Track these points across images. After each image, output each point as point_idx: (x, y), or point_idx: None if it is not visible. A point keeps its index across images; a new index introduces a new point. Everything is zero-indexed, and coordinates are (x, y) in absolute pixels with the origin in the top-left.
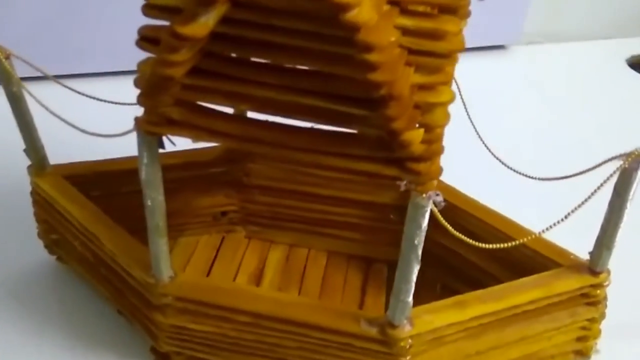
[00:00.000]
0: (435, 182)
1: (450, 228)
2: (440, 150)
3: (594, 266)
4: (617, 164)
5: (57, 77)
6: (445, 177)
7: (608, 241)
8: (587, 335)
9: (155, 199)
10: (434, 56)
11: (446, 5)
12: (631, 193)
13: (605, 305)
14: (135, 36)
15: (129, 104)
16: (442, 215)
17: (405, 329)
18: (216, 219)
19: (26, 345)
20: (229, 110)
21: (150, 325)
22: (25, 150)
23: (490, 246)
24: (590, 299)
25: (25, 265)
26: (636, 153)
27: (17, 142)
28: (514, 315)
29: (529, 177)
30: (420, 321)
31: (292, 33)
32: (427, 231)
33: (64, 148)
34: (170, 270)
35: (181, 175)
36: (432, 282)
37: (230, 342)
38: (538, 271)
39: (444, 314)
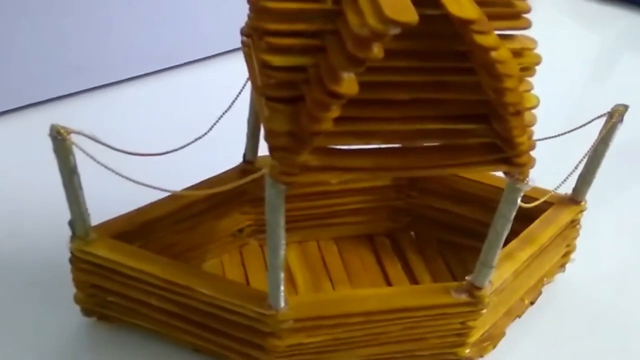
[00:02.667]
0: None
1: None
2: (534, 144)
3: (577, 197)
4: (603, 119)
5: None
6: None
7: (589, 177)
8: (569, 250)
9: (280, 237)
10: (522, 70)
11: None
12: (613, 140)
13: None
14: None
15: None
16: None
17: (489, 288)
18: (234, 236)
19: None
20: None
21: (255, 352)
22: (70, 222)
23: (529, 205)
24: (575, 223)
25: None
26: (620, 109)
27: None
28: (540, 252)
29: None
30: (494, 277)
31: (418, 70)
32: (418, 198)
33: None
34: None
35: (205, 206)
36: (428, 239)
37: (339, 343)
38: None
39: (504, 267)
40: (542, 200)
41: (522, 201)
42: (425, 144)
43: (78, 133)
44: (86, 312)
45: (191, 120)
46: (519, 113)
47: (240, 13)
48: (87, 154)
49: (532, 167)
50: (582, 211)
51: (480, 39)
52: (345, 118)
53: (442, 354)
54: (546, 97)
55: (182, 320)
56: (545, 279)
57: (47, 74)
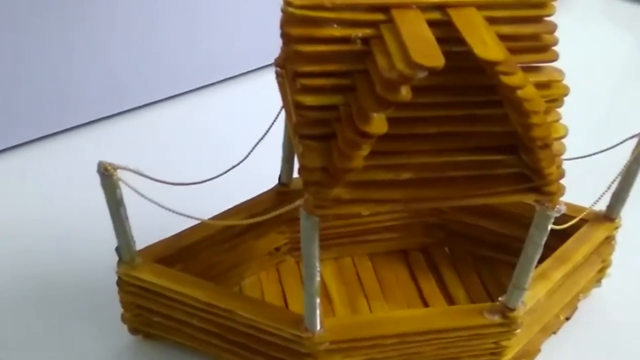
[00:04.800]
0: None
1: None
2: (563, 172)
3: (612, 214)
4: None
5: None
6: None
7: (624, 195)
8: (605, 266)
9: (315, 267)
10: (550, 102)
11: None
12: None
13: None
14: None
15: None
16: None
17: (521, 309)
18: (271, 254)
19: None
20: None
21: None
22: (117, 249)
23: (563, 226)
24: (610, 240)
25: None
26: None
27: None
28: (574, 270)
29: None
30: (527, 298)
31: (446, 105)
32: (452, 214)
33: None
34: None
35: (243, 229)
36: (462, 254)
37: None
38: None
39: (538, 287)
40: (576, 219)
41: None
42: (455, 175)
43: (124, 168)
44: (133, 330)
45: (228, 138)
46: (546, 146)
47: (273, 28)
48: (133, 189)
49: (561, 195)
50: (616, 228)
51: (507, 80)
52: (376, 152)
53: None
54: (580, 103)
55: (221, 339)
56: (580, 295)
57: (86, 97)
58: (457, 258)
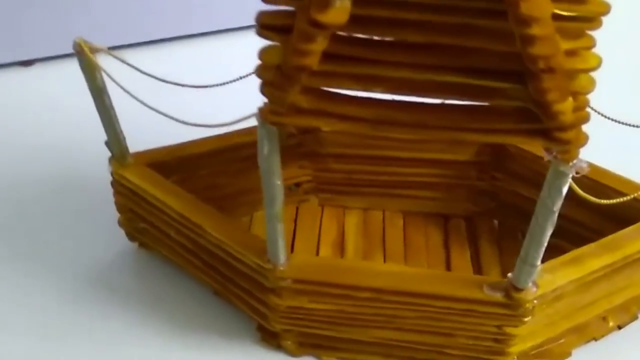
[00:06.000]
0: (581, 149)
1: (579, 191)
2: (587, 117)
3: None
4: None
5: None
6: None
7: None
8: None
9: (275, 186)
10: (578, 21)
11: None
12: None
13: None
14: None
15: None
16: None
17: (532, 291)
18: (291, 190)
19: (126, 331)
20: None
21: (260, 307)
22: (106, 143)
23: (610, 201)
24: None
25: (108, 252)
26: None
27: (93, 130)
28: (623, 265)
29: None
30: (543, 281)
31: (436, 8)
32: (504, 181)
33: (135, 130)
34: (286, 253)
35: (252, 152)
36: (514, 232)
37: (347, 317)
38: (634, 219)
39: (564, 272)
40: (627, 198)
41: (607, 195)
42: (441, 99)
43: (102, 50)
44: (130, 236)
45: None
46: (551, 70)
47: None
48: (109, 76)
49: (581, 145)
50: None
51: None
52: (344, 57)
53: (479, 358)
54: None
55: (196, 257)
56: None
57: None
58: (504, 233)
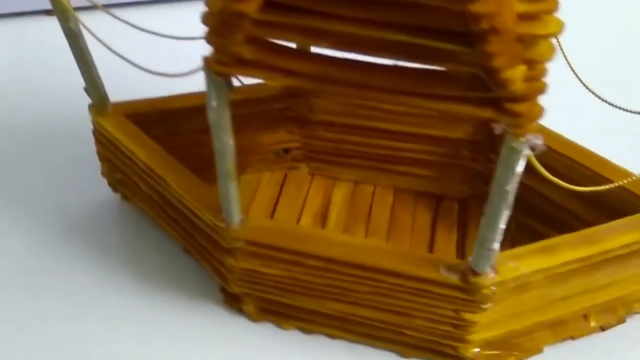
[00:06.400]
0: (536, 124)
1: (545, 173)
2: (543, 88)
3: None
4: None
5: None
6: None
7: None
8: None
9: (225, 143)
10: None
11: None
12: None
13: None
14: None
15: (191, 38)
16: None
17: (489, 277)
18: (279, 155)
19: (94, 283)
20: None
21: (220, 267)
22: (85, 89)
23: (587, 189)
24: None
25: (90, 202)
26: None
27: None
28: (604, 260)
29: (625, 109)
30: (505, 268)
31: None
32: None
33: (123, 84)
34: (241, 214)
35: (242, 111)
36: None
37: (300, 285)
38: (628, 212)
39: (531, 260)
40: (610, 186)
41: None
42: (388, 58)
43: None
44: (112, 187)
45: None
46: (496, 31)
47: None
48: (85, 27)
49: (534, 119)
50: None
51: None
52: (287, 7)
53: (438, 343)
54: None
55: (164, 213)
56: (637, 306)
57: None
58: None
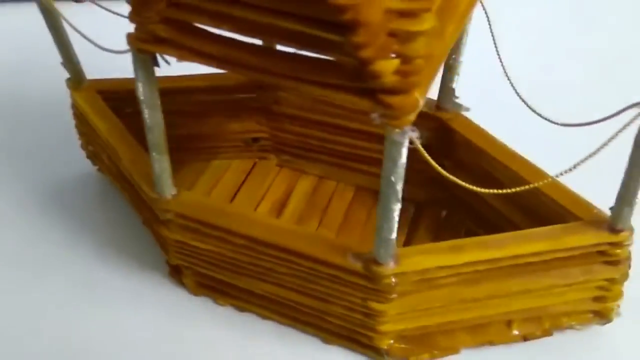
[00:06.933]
0: (411, 117)
1: (435, 165)
2: (419, 83)
3: (615, 223)
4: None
5: None
6: (472, 114)
7: (630, 197)
8: (605, 295)
9: (153, 117)
10: None
11: None
12: None
13: (629, 266)
14: None
15: None
16: (468, 157)
17: (389, 267)
18: (248, 144)
19: (59, 250)
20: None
21: (161, 239)
22: (62, 64)
23: (502, 191)
24: (609, 258)
25: (69, 174)
26: None
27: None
28: (516, 266)
29: (553, 122)
30: (408, 261)
31: None
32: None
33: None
34: (173, 188)
35: (210, 98)
36: (457, 227)
37: (228, 261)
38: (559, 223)
39: (436, 257)
40: (527, 186)
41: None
42: (280, 44)
43: None
44: (90, 159)
45: None
46: (358, 23)
47: None
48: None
49: (409, 113)
50: (620, 244)
51: None
52: None
53: (355, 332)
54: None
55: (123, 184)
56: (566, 321)
57: None
58: (448, 225)
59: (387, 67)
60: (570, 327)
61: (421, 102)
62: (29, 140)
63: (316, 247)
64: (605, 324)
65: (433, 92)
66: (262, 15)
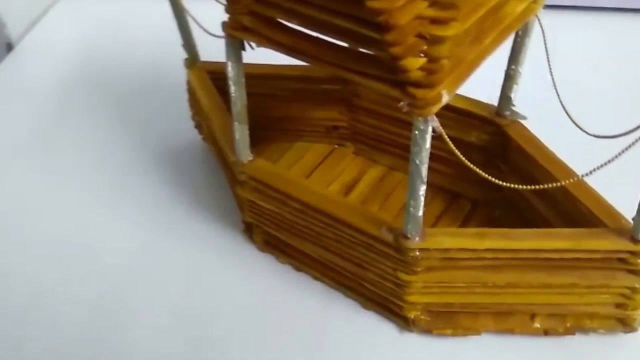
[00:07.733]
0: (434, 109)
1: (460, 156)
2: (442, 80)
3: (636, 233)
4: None
5: None
6: (530, 123)
7: None
8: (626, 303)
9: (237, 92)
10: None
11: None
12: None
13: None
14: None
15: None
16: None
17: (415, 241)
18: (329, 131)
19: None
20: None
21: (238, 199)
22: (183, 45)
23: (537, 187)
24: (630, 266)
25: (180, 140)
26: None
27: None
28: (537, 260)
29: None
30: (433, 239)
31: None
32: (508, 175)
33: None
34: (250, 154)
35: (299, 86)
36: (504, 226)
37: (287, 223)
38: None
39: (459, 239)
40: (553, 184)
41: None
42: (336, 41)
43: None
44: (197, 129)
45: None
46: (389, 25)
47: None
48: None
49: (432, 105)
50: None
51: None
52: None
53: (387, 300)
54: None
55: (215, 150)
56: (589, 323)
57: None
58: (496, 225)
59: (414, 63)
60: (594, 331)
61: (446, 98)
62: (154, 109)
63: (356, 217)
64: (629, 332)
65: (494, 99)
66: (321, 12)
